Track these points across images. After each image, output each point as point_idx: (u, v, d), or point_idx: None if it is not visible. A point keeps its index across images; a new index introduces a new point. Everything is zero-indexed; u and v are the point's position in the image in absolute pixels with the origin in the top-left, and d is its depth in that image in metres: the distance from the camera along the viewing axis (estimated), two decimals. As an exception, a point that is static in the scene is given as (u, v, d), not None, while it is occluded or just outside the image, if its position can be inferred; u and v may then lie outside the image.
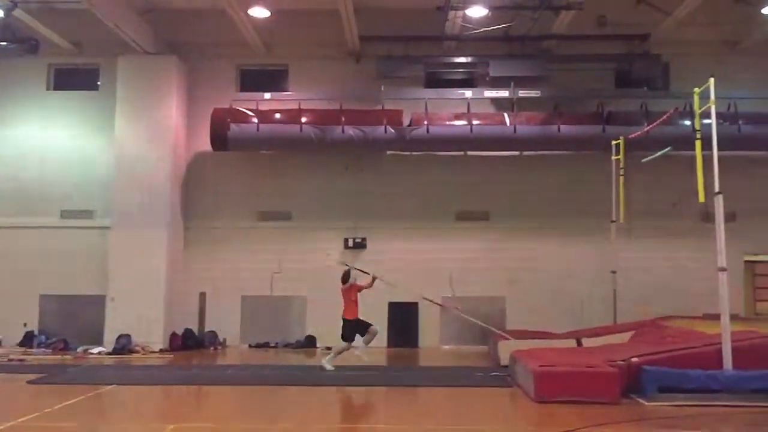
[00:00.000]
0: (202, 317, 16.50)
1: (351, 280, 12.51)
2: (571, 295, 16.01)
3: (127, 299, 15.28)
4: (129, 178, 15.78)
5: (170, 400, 10.44)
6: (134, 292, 15.28)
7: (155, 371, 12.72)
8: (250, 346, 16.27)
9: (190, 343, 15.88)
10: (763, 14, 14.77)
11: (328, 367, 12.09)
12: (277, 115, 16.03)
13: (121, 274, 15.45)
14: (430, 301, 14.71)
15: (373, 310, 16.07)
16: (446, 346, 16.23)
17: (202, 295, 16.54)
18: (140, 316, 15.18)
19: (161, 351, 15.16)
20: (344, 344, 12.43)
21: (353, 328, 12.38)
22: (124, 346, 14.91)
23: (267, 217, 16.74)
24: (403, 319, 16.27)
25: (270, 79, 17.21)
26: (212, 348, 15.93)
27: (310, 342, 16.24)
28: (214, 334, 16.28)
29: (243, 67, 17.36)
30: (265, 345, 16.25)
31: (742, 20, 15.82)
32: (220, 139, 15.83)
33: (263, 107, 16.05)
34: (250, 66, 17.33)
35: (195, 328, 16.30)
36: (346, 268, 12.93)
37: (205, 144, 16.28)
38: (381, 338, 16.14)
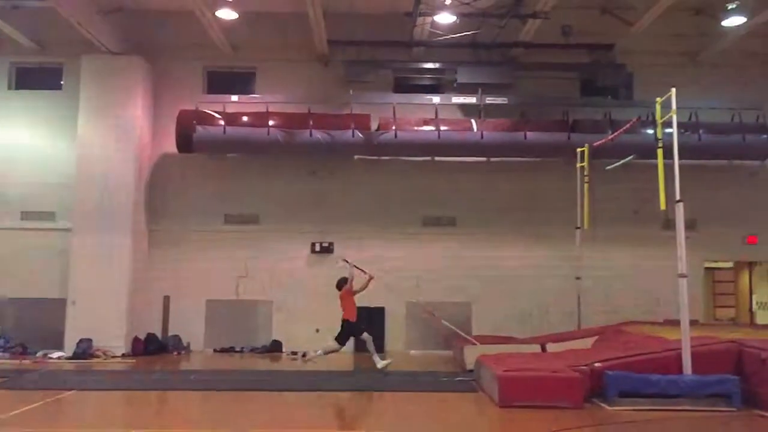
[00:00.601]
0: (165, 321, 16.28)
1: (349, 277, 12.61)
2: (536, 301, 16.19)
3: (88, 303, 15.00)
4: (91, 179, 15.51)
5: (132, 406, 10.26)
6: (96, 295, 15.01)
7: (116, 376, 12.50)
8: (214, 350, 16.09)
9: (152, 347, 15.63)
10: (722, 27, 15.11)
11: (383, 363, 12.22)
12: (244, 118, 15.93)
13: (83, 277, 15.17)
14: (430, 312, 14.63)
15: (340, 315, 16.13)
16: (413, 351, 16.25)
17: (166, 299, 16.32)
18: (102, 320, 14.93)
19: (123, 356, 14.91)
20: (336, 345, 12.50)
21: (350, 330, 12.45)
22: (84, 350, 14.61)
23: (233, 220, 16.61)
24: (370, 324, 16.17)
25: (237, 81, 17.09)
26: (176, 353, 15.71)
27: (275, 347, 16.13)
28: (177, 338, 16.07)
29: (210, 69, 17.21)
30: (230, 350, 16.08)
31: (703, 32, 16.20)
32: (185, 141, 15.67)
33: (230, 110, 15.94)
34: (218, 68, 17.19)
35: (158, 333, 16.07)
36: (343, 265, 13.05)
37: (170, 146, 16.08)
38: (347, 343, 16.18)
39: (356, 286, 12.76)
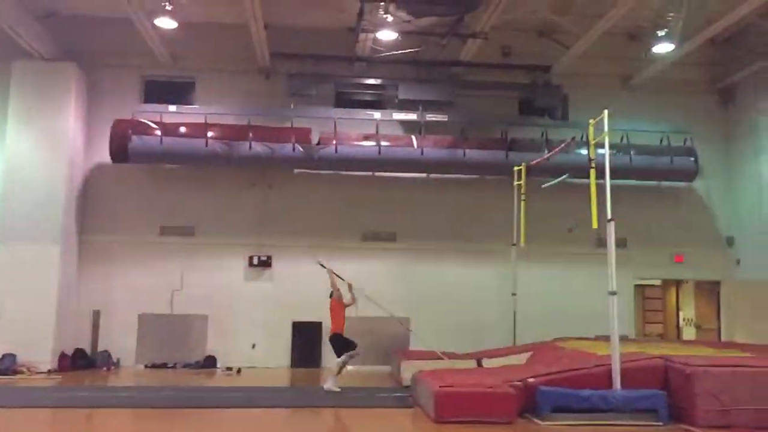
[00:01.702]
0: (95, 336, 15.74)
1: (344, 294, 12.49)
2: (473, 316, 16.34)
3: (13, 316, 14.34)
4: (19, 188, 14.93)
5: (56, 424, 9.86)
6: (21, 309, 14.37)
7: (40, 393, 11.97)
8: (146, 366, 15.64)
9: (81, 363, 15.10)
10: (653, 53, 15.70)
11: (335, 389, 11.75)
12: (182, 129, 15.62)
13: (8, 290, 14.51)
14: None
15: (277, 330, 16.01)
16: (350, 367, 16.09)
17: (96, 313, 15.79)
18: (27, 334, 14.29)
19: (49, 371, 14.32)
20: (343, 358, 12.15)
21: (342, 342, 12.24)
22: (8, 366, 13.98)
23: (169, 232, 16.24)
24: (307, 339, 16.09)
25: (176, 91, 16.76)
26: (105, 368, 15.20)
27: (210, 362, 15.78)
28: (107, 353, 15.55)
29: (148, 78, 16.85)
30: (162, 365, 15.64)
31: (635, 58, 16.79)
32: (120, 151, 15.26)
33: (168, 120, 15.61)
34: (156, 77, 16.84)
35: (87, 348, 15.54)
36: (322, 267, 12.81)
37: (104, 156, 15.62)
38: (284, 358, 16.05)
39: (345, 299, 12.53)
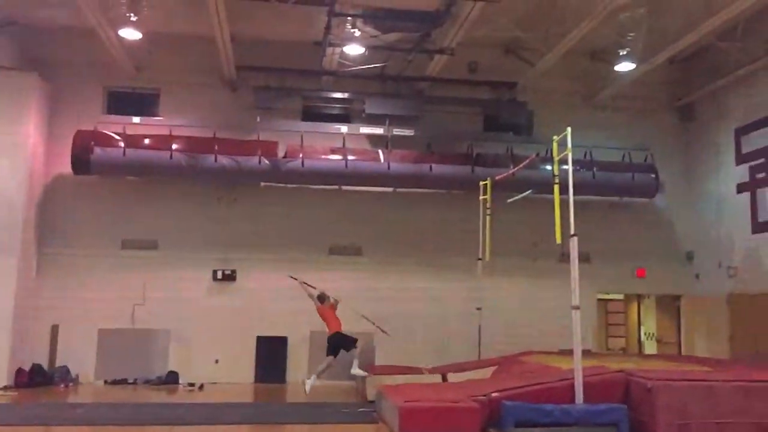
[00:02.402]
0: (53, 351, 15.36)
1: (326, 299, 12.69)
2: (439, 331, 16.36)
3: (-33, 332, 13.98)
4: (-24, 199, 14.58)
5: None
6: (-24, 323, 14.02)
7: (-5, 411, 11.65)
8: (105, 382, 15.30)
9: (38, 379, 14.70)
10: (615, 72, 16.02)
11: (308, 387, 12.08)
12: (146, 141, 15.43)
13: (-38, 304, 14.15)
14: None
15: (241, 344, 15.82)
16: (315, 383, 15.98)
17: (54, 328, 15.43)
18: (-18, 350, 13.95)
19: (5, 388, 13.93)
20: (328, 359, 12.35)
21: (337, 342, 12.33)
22: (-40, 383, 13.60)
23: (131, 245, 15.97)
24: (272, 354, 15.93)
25: (140, 102, 16.56)
26: (63, 385, 14.82)
27: (172, 378, 15.50)
28: (65, 369, 15.17)
29: (111, 89, 16.61)
30: (122, 381, 15.32)
31: (598, 76, 17.12)
32: (82, 163, 15.01)
33: (132, 132, 15.41)
34: (119, 88, 16.60)
35: (45, 364, 15.16)
36: (293, 279, 12.98)
37: (66, 167, 15.32)
38: (248, 373, 15.85)
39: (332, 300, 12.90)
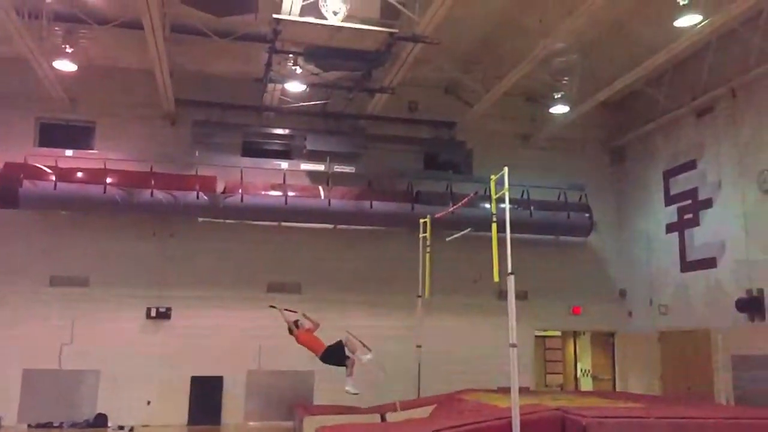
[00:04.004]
0: (-27, 394, 14.58)
1: (301, 324, 12.06)
2: (378, 369, 16.18)
3: None
4: None
5: None
6: None
7: None
8: (29, 426, 14.56)
9: (-45, 424, 13.94)
10: (550, 113, 16.52)
11: (353, 390, 11.60)
12: (79, 174, 15.00)
13: None
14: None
15: (175, 385, 15.32)
16: (251, 423, 15.63)
17: (-25, 369, 14.67)
18: None
19: None
20: (350, 360, 11.83)
21: (333, 354, 11.82)
22: None
23: (60, 282, 15.38)
24: (206, 394, 15.47)
25: (74, 135, 16.12)
26: (-18, 430, 14.08)
27: (100, 421, 14.87)
28: (-14, 413, 14.41)
29: (43, 121, 16.12)
30: (48, 425, 14.61)
31: (534, 117, 17.61)
32: (10, 196, 14.44)
33: (64, 165, 14.96)
34: (52, 120, 16.12)
35: (-37, 407, 14.36)
36: (275, 309, 12.42)
37: (-8, 200, 14.74)
38: (181, 415, 15.33)
39: (306, 325, 12.24)
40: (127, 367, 15.25)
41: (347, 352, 11.84)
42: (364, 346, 12.02)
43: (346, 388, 11.79)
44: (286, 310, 12.42)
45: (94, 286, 15.51)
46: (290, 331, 12.18)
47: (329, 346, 11.97)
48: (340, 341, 11.94)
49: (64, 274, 15.41)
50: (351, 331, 12.10)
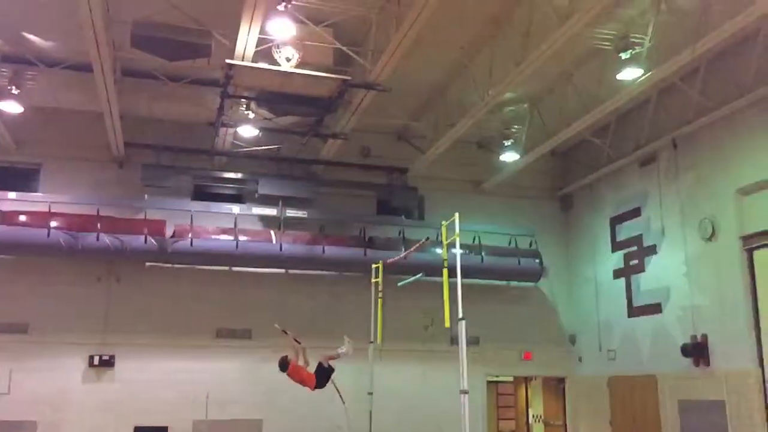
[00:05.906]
0: None
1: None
2: (329, 417, 15.87)
3: None
4: None
5: None
6: None
7: None
8: (-43, 484, 13.79)
9: None
10: (500, 161, 16.83)
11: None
12: (22, 217, 14.57)
13: None
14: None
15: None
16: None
17: None
18: None
19: None
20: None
21: (321, 375, 11.86)
22: None
23: (-3, 329, 14.78)
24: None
25: (18, 177, 15.68)
26: None
27: (36, 476, 14.18)
28: None
29: (-14, 163, 15.74)
30: (-22, 481, 13.88)
31: (485, 164, 17.90)
32: (-54, 239, 13.94)
33: (7, 207, 14.52)
34: (-4, 162, 15.76)
35: None
36: (280, 329, 12.19)
37: (-73, 243, 14.17)
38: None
39: (299, 361, 11.92)
40: (67, 418, 14.63)
41: (329, 363, 11.99)
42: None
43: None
44: (295, 339, 12.12)
45: (34, 333, 14.93)
46: (285, 363, 11.83)
47: (315, 372, 11.94)
48: (319, 362, 11.96)
49: (1, 321, 14.80)
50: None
